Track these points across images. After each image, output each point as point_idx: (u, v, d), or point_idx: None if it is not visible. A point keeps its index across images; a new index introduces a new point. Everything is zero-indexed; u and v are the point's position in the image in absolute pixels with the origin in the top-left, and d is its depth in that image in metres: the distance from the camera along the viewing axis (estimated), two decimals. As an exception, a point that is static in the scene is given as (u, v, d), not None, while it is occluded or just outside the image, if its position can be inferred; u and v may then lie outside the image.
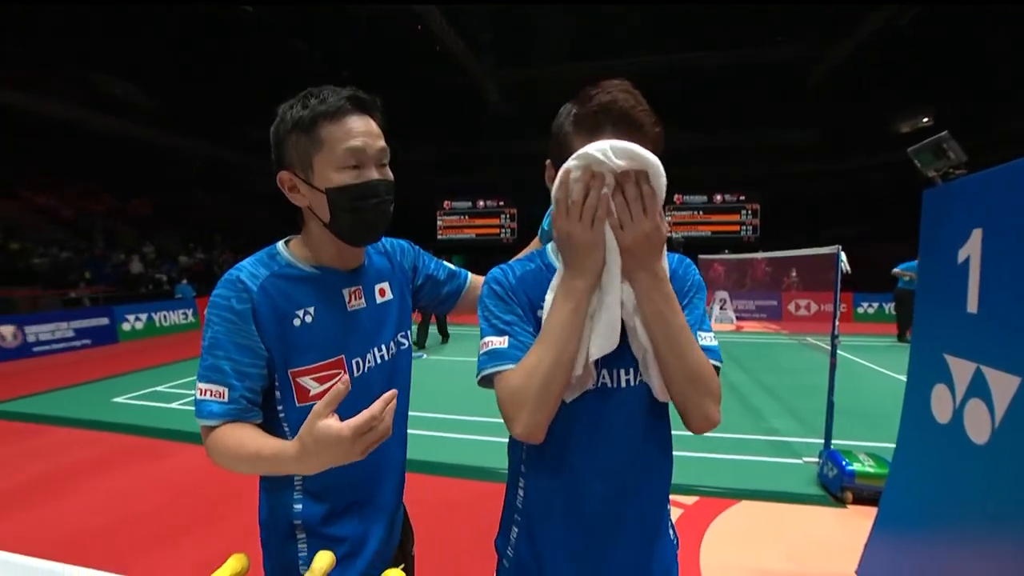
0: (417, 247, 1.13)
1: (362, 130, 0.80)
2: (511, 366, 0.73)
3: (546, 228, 1.04)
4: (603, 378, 0.77)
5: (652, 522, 0.83)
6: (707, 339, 0.79)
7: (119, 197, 15.12)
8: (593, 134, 0.68)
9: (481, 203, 19.02)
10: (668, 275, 0.74)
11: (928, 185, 1.77)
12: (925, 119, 15.72)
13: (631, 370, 0.77)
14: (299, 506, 0.86)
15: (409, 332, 1.03)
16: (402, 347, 0.99)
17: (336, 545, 0.85)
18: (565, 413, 0.75)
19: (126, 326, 9.28)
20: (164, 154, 16.56)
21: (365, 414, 0.66)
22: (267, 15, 12.78)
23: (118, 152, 15.26)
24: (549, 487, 0.81)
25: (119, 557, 2.39)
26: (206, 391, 0.78)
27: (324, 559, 0.68)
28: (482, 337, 0.79)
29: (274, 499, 0.87)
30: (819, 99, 16.29)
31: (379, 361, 0.93)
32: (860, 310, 11.49)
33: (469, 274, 1.17)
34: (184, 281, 11.55)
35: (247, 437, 0.76)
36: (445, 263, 1.16)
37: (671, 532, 0.89)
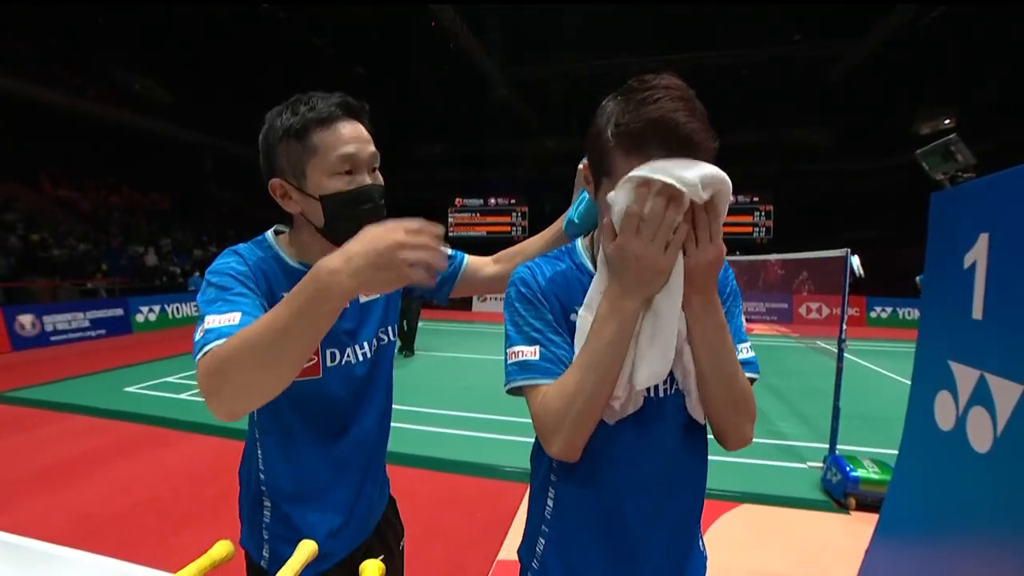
0: None
1: (354, 136, 0.81)
2: (545, 381, 0.71)
3: (576, 221, 0.97)
4: (647, 391, 0.74)
5: (686, 535, 0.81)
6: (745, 351, 0.76)
7: (138, 191, 15.40)
8: (638, 153, 0.61)
9: (493, 201, 19.05)
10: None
11: (936, 188, 1.75)
12: (947, 120, 15.40)
13: (671, 380, 0.74)
14: (263, 475, 0.91)
15: (395, 327, 1.04)
16: (383, 342, 1.00)
17: (297, 519, 0.90)
18: (605, 427, 0.73)
19: (140, 317, 9.46)
20: (181, 149, 16.84)
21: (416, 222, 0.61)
22: (283, 11, 12.89)
23: (137, 147, 15.55)
24: (582, 499, 0.77)
25: (128, 543, 2.44)
26: (214, 319, 0.69)
27: (307, 547, 0.69)
28: (509, 342, 0.75)
29: (247, 472, 0.94)
30: (836, 99, 16.03)
31: (360, 358, 0.93)
32: (873, 314, 11.32)
33: (465, 256, 1.14)
34: (197, 274, 11.74)
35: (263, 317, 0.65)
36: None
37: (701, 544, 0.86)
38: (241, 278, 0.78)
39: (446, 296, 1.14)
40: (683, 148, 0.59)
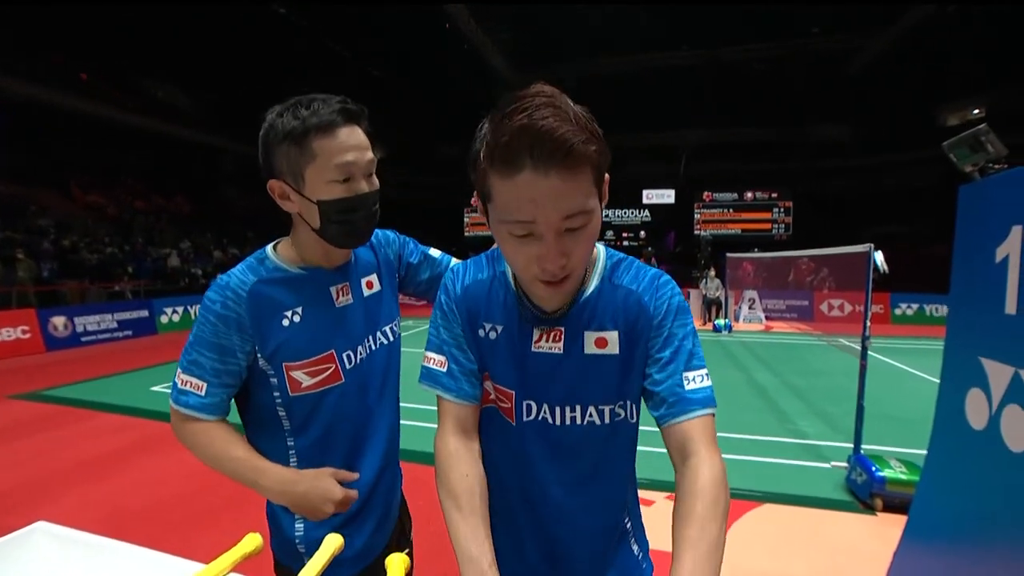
0: (403, 236, 1.13)
1: (352, 144, 0.81)
2: (447, 396, 0.75)
3: None
4: (544, 413, 0.74)
5: (605, 539, 0.80)
6: (696, 380, 0.68)
7: (162, 196, 15.81)
8: (511, 169, 0.55)
9: (506, 200, 19.08)
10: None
11: (965, 181, 1.70)
12: (976, 110, 14.92)
13: (576, 407, 0.73)
14: None
15: (399, 322, 1.06)
16: (397, 335, 1.04)
17: (326, 524, 0.89)
18: (507, 437, 0.76)
19: (164, 318, 9.71)
20: (202, 154, 17.22)
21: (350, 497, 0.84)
22: (301, 17, 13.09)
23: (161, 153, 15.96)
24: (500, 497, 0.78)
25: (156, 536, 2.52)
26: (186, 382, 0.84)
27: (334, 542, 0.70)
28: (427, 343, 0.79)
29: None
30: (858, 92, 15.65)
31: (371, 351, 0.96)
32: (898, 311, 11.03)
33: (452, 260, 1.15)
34: (219, 276, 12.02)
35: (233, 440, 0.86)
36: (429, 251, 1.15)
37: (635, 550, 0.83)
38: (217, 324, 0.83)
39: (434, 296, 1.16)
40: (553, 154, 0.53)
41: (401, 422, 1.06)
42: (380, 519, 0.96)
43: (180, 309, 10.05)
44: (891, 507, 2.60)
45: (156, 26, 12.87)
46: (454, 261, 1.14)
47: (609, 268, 0.75)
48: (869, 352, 3.11)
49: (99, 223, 12.96)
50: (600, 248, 0.76)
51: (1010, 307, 1.43)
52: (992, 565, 1.47)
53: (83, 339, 8.33)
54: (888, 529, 2.41)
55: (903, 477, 2.57)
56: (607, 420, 0.74)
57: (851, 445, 3.11)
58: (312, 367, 0.87)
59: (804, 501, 2.81)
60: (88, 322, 8.47)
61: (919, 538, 1.90)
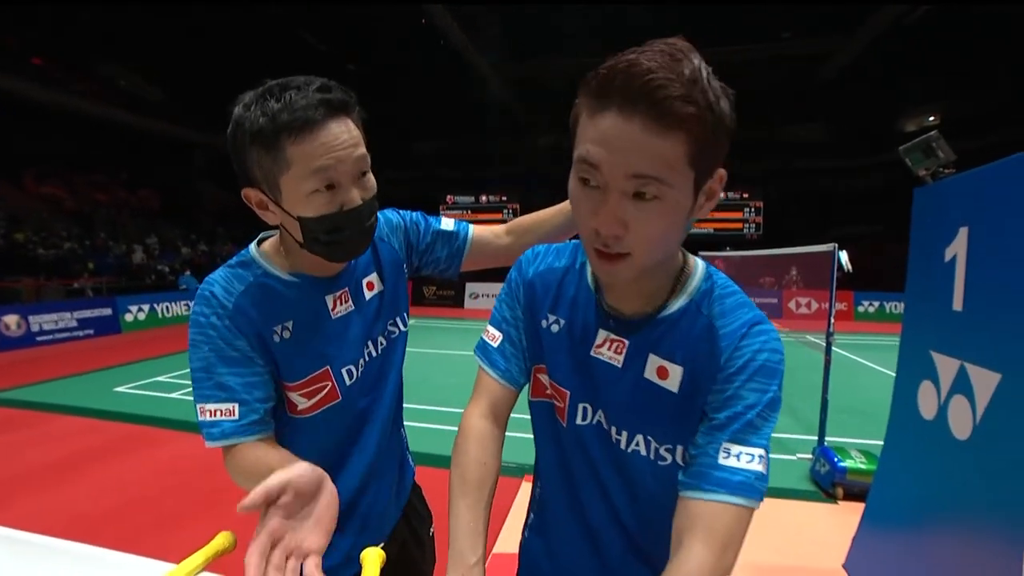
0: (409, 216, 1.00)
1: (335, 143, 0.68)
2: (491, 373, 0.74)
3: None
4: (599, 418, 0.68)
5: (653, 540, 0.72)
6: (740, 458, 0.56)
7: (126, 188, 15.20)
8: (599, 105, 0.49)
9: (484, 198, 19.03)
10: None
11: (919, 184, 1.79)
12: (931, 118, 15.60)
13: (623, 432, 0.66)
14: None
15: (404, 316, 0.97)
16: (393, 335, 0.94)
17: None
18: (558, 438, 0.73)
19: (128, 317, 9.34)
20: (171, 146, 16.62)
21: (268, 556, 0.56)
22: (274, 7, 12.74)
23: (125, 144, 15.32)
24: (555, 496, 0.77)
25: (123, 539, 2.44)
26: (214, 411, 0.72)
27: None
28: (491, 315, 0.77)
29: None
30: (828, 96, 16.19)
31: (372, 357, 0.90)
32: (861, 309, 11.49)
33: (470, 229, 1.02)
34: (188, 272, 11.62)
35: (264, 454, 0.71)
36: (440, 225, 1.01)
37: None
38: (223, 337, 0.73)
39: (457, 271, 1.05)
40: (642, 99, 0.46)
41: (417, 425, 1.02)
42: (363, 528, 0.91)
43: (146, 307, 9.68)
44: (851, 495, 2.72)
45: (116, 11, 12.32)
46: (472, 228, 1.02)
47: (702, 292, 0.65)
48: (833, 348, 3.24)
49: (56, 216, 12.39)
50: (699, 265, 0.68)
51: (957, 304, 1.52)
52: (941, 544, 1.56)
53: (39, 339, 7.94)
54: (849, 516, 2.51)
55: (863, 467, 2.69)
56: (651, 457, 0.66)
57: (815, 438, 3.24)
58: (306, 387, 0.79)
59: (770, 492, 2.88)
60: (44, 321, 8.07)
61: (875, 523, 2.00)
